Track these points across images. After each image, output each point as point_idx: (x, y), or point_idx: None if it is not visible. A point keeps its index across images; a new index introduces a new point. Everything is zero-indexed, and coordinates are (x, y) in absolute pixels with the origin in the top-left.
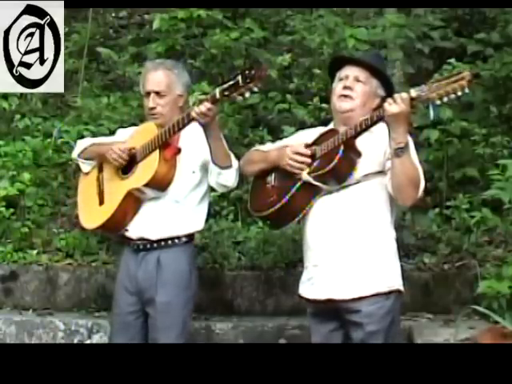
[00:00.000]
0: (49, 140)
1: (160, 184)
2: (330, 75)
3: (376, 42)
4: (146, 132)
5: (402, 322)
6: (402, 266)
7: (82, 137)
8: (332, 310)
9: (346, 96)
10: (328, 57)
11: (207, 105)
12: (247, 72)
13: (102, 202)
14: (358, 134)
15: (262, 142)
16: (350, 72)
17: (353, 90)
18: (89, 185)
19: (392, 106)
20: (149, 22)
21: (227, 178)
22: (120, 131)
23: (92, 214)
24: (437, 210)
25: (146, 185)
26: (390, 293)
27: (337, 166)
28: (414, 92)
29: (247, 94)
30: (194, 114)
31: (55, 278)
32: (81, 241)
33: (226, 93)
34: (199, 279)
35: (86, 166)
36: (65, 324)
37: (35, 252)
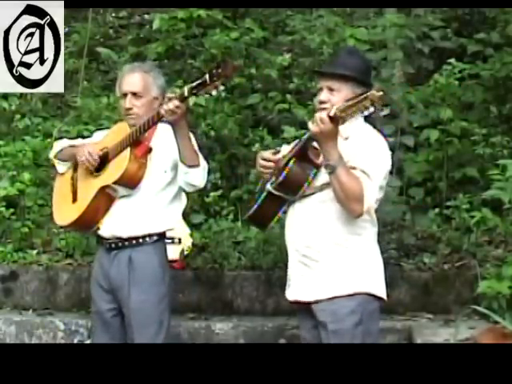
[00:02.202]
0: (49, 140)
1: (130, 181)
2: None
3: (376, 41)
4: (119, 131)
5: (402, 322)
6: (401, 266)
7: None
8: (307, 310)
9: (324, 109)
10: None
11: (175, 102)
12: (214, 71)
13: (75, 200)
14: (303, 147)
15: (262, 142)
16: (323, 83)
17: (328, 101)
18: (63, 184)
19: (313, 126)
20: (149, 22)
21: (193, 177)
22: (97, 133)
23: (65, 212)
24: (437, 210)
25: (116, 182)
26: (353, 295)
27: (287, 177)
28: (332, 111)
29: (214, 92)
30: (162, 112)
31: (55, 277)
32: (81, 241)
33: (194, 91)
34: (199, 279)
35: (61, 167)
36: (65, 324)
37: (35, 252)
